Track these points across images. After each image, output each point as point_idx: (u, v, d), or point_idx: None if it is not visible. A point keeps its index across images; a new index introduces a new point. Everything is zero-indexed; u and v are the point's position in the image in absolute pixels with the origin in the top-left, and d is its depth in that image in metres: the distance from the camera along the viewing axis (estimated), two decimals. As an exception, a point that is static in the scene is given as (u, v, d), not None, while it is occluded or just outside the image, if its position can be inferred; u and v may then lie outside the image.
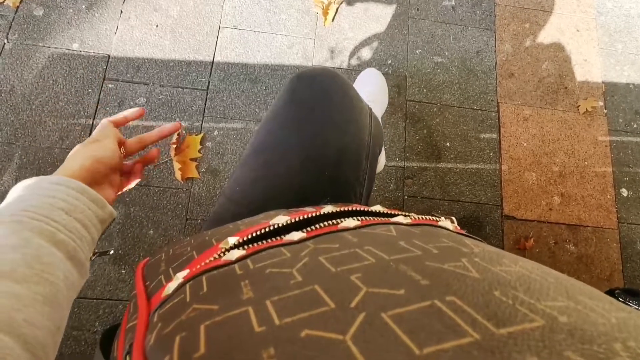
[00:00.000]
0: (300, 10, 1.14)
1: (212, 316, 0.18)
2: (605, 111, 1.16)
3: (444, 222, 0.29)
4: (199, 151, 1.01)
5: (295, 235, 0.25)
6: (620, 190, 1.10)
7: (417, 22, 1.17)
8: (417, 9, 1.18)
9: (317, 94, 0.46)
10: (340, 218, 0.28)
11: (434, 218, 0.29)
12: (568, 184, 1.10)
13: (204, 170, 1.00)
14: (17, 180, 0.94)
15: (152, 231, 0.96)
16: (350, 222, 0.27)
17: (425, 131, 1.09)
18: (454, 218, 0.30)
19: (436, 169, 1.07)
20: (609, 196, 1.10)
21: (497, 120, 1.12)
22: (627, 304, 0.48)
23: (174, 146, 0.99)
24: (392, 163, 1.06)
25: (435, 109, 1.11)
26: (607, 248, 1.06)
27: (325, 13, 1.13)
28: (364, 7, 1.16)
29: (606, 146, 1.13)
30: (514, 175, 1.09)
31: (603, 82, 1.18)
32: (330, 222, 0.27)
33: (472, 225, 1.04)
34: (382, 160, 0.92)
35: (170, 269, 0.26)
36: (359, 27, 1.15)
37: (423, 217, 0.29)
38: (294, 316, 0.16)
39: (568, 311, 0.15)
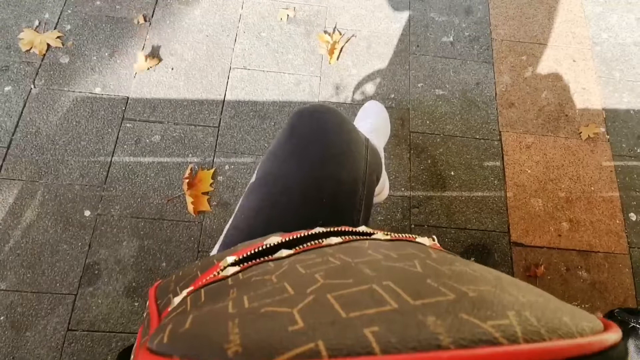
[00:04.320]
0: (306, 50, 1.21)
1: (200, 310, 0.21)
2: (608, 137, 1.18)
3: (422, 239, 0.31)
4: (210, 185, 1.05)
5: (284, 252, 0.28)
6: (629, 215, 1.10)
7: (418, 58, 1.23)
8: (417, 46, 1.24)
9: (314, 129, 0.50)
10: (327, 237, 0.31)
11: (413, 236, 0.32)
12: (576, 210, 1.10)
13: (215, 203, 1.04)
14: (39, 216, 0.99)
15: (164, 264, 0.98)
16: (333, 240, 0.30)
17: (429, 161, 1.12)
18: (434, 237, 0.33)
19: (442, 197, 1.09)
20: (618, 221, 1.10)
21: (499, 149, 1.15)
22: (625, 321, 0.48)
23: (187, 181, 1.03)
24: (398, 193, 1.08)
25: (438, 140, 1.14)
26: (619, 274, 1.04)
27: (331, 52, 1.20)
28: (367, 45, 1.23)
29: (611, 171, 1.14)
30: (520, 202, 1.10)
31: (603, 109, 1.21)
32: (316, 241, 0.30)
33: (480, 253, 1.04)
34: (385, 190, 0.95)
35: (177, 287, 0.29)
36: (362, 64, 1.21)
37: (402, 235, 0.32)
38: (260, 301, 0.19)
39: (481, 291, 0.17)
